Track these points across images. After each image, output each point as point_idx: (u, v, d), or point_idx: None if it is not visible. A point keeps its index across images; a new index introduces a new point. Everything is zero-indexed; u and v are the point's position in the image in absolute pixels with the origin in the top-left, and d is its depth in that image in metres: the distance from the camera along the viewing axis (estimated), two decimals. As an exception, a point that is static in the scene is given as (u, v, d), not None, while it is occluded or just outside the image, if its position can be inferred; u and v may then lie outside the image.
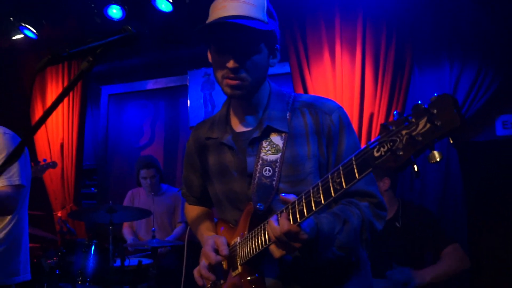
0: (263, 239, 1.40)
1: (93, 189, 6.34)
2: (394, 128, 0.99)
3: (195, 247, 1.86)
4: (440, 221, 3.15)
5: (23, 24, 4.93)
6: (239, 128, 1.67)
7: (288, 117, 1.59)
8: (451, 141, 0.93)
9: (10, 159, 1.20)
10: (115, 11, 4.61)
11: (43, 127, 5.52)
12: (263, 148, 1.56)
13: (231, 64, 1.48)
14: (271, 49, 1.57)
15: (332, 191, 1.16)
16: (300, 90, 4.13)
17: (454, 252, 2.96)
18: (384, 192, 3.17)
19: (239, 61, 1.48)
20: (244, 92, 1.54)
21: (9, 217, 2.69)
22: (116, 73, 6.17)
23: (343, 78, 3.99)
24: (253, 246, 1.44)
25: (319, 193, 1.20)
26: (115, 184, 6.08)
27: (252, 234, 1.47)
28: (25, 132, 1.23)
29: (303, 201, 1.24)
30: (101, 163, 6.25)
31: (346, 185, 1.12)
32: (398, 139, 0.97)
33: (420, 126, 0.93)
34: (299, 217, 1.24)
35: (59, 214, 5.30)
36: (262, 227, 1.41)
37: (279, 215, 1.31)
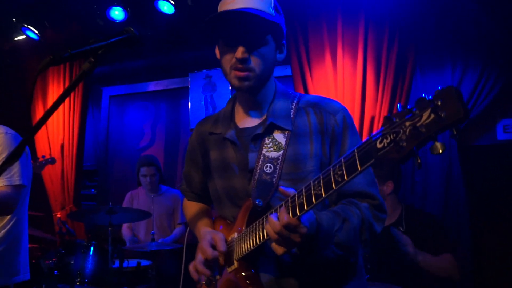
0: (260, 234, 1.39)
1: (93, 190, 6.34)
2: (397, 119, 0.99)
3: (194, 249, 1.86)
4: (443, 227, 3.14)
5: (26, 25, 4.94)
6: (242, 124, 1.68)
7: (292, 116, 1.59)
8: (455, 133, 0.92)
9: (11, 159, 1.20)
10: (117, 13, 4.62)
11: (43, 127, 5.52)
12: (266, 145, 1.56)
13: (239, 54, 1.49)
14: (278, 43, 1.60)
15: (333, 183, 1.15)
16: (301, 92, 4.13)
17: (448, 260, 2.97)
18: (388, 196, 3.17)
19: (247, 52, 1.50)
20: (252, 84, 1.55)
21: (8, 216, 2.68)
22: (118, 74, 6.18)
23: (345, 81, 3.99)
24: (251, 241, 1.43)
25: (320, 185, 1.19)
26: (115, 185, 6.08)
27: (249, 229, 1.46)
28: (26, 131, 1.23)
29: (303, 194, 1.23)
30: (101, 164, 6.25)
31: (347, 177, 1.11)
32: (401, 131, 0.97)
33: (424, 118, 0.93)
34: (299, 210, 1.23)
35: (58, 215, 5.29)
36: (260, 221, 1.41)
37: (278, 209, 1.31)
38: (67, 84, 5.46)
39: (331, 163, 1.54)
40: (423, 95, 0.96)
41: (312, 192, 1.20)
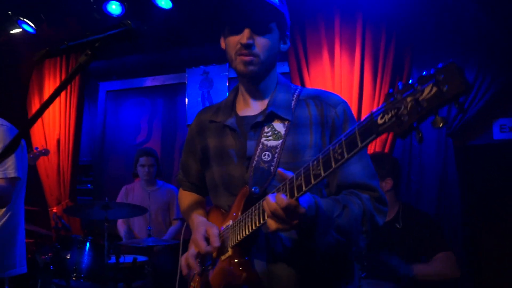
0: (256, 219, 1.37)
1: (89, 185, 6.32)
2: (399, 95, 0.98)
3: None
4: (440, 227, 3.14)
5: (21, 19, 4.91)
6: (243, 112, 1.69)
7: (292, 107, 1.60)
8: (457, 106, 0.92)
9: (6, 151, 1.19)
10: (114, 7, 4.59)
11: (39, 122, 5.50)
12: (265, 133, 1.57)
13: (244, 39, 1.52)
14: (282, 33, 1.63)
15: (332, 161, 1.12)
16: (299, 90, 4.13)
17: (446, 259, 2.95)
18: (386, 193, 3.17)
19: (252, 37, 1.53)
20: (256, 69, 1.57)
21: (3, 209, 2.68)
22: (114, 69, 6.15)
23: (342, 79, 3.99)
24: (246, 227, 1.42)
25: (319, 165, 1.16)
26: (111, 180, 6.06)
27: (245, 215, 1.45)
28: (22, 124, 1.22)
29: (302, 176, 1.21)
30: (97, 159, 6.23)
31: (347, 154, 1.09)
32: (402, 106, 0.96)
33: (426, 92, 0.92)
34: (297, 191, 1.21)
35: (54, 210, 5.28)
36: (257, 206, 1.39)
37: (275, 191, 1.29)
38: (63, 78, 5.44)
39: None
40: (424, 72, 0.96)
41: (311, 172, 1.18)
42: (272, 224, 1.28)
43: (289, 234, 1.32)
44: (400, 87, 0.99)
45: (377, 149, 3.86)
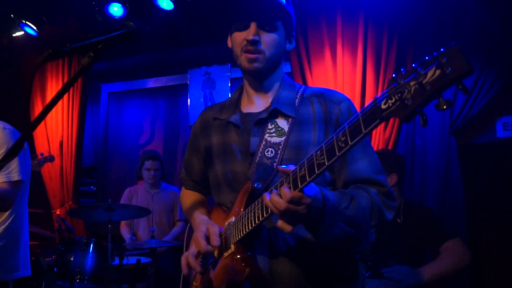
0: (259, 213, 1.36)
1: (92, 187, 6.33)
2: (402, 80, 0.98)
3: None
4: (439, 218, 3.14)
5: (24, 21, 4.92)
6: (247, 109, 1.70)
7: (296, 104, 1.61)
8: (460, 87, 0.92)
9: (9, 154, 1.19)
10: (116, 9, 4.61)
11: (42, 124, 5.51)
12: (269, 130, 1.57)
13: (250, 36, 1.54)
14: (288, 32, 1.65)
15: (336, 149, 1.10)
16: (301, 90, 4.12)
17: (454, 247, 2.91)
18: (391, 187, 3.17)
19: (258, 34, 1.55)
20: (261, 66, 1.58)
21: (7, 212, 2.68)
22: (117, 71, 6.16)
23: (344, 78, 3.98)
24: (249, 222, 1.41)
25: (323, 154, 1.14)
26: (115, 182, 6.07)
27: (248, 210, 1.45)
28: (25, 127, 1.22)
29: (305, 166, 1.18)
30: (100, 161, 6.24)
31: (351, 141, 1.07)
32: (406, 90, 0.96)
33: (429, 75, 0.92)
34: (300, 182, 1.18)
35: (57, 212, 5.29)
36: (259, 201, 1.38)
37: (278, 186, 1.27)
38: (65, 80, 5.45)
39: None
40: (427, 57, 0.95)
41: (315, 162, 1.16)
42: (285, 227, 1.26)
43: (294, 230, 1.28)
44: (403, 71, 0.99)
45: (380, 147, 3.85)
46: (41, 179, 5.43)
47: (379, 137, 3.86)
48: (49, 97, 5.64)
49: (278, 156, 1.52)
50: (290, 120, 1.57)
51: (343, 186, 1.53)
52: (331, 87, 4.00)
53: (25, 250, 2.80)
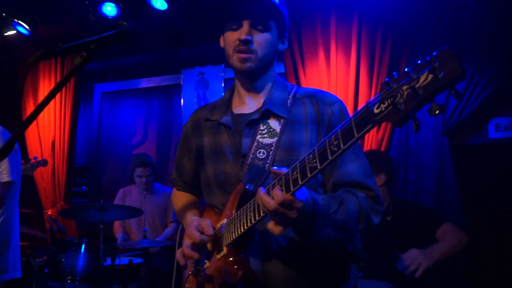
0: (252, 216, 1.36)
1: (84, 187, 6.29)
2: (394, 84, 0.98)
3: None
4: (430, 209, 3.21)
5: (16, 21, 4.88)
6: (239, 110, 1.69)
7: (288, 105, 1.60)
8: (453, 92, 0.92)
9: None
10: (109, 9, 4.58)
11: (34, 124, 5.47)
12: (260, 131, 1.57)
13: (242, 35, 1.54)
14: (281, 32, 1.64)
15: (329, 153, 1.11)
16: (295, 90, 4.13)
17: (450, 229, 2.96)
18: (379, 187, 3.23)
19: (250, 33, 1.55)
20: (253, 66, 1.57)
21: None
22: (110, 71, 6.13)
23: (338, 79, 3.99)
24: (241, 224, 1.41)
25: (315, 158, 1.14)
26: (107, 182, 6.04)
27: (239, 213, 1.44)
28: (16, 127, 1.20)
29: (297, 169, 1.19)
30: (93, 161, 6.20)
31: (344, 145, 1.07)
32: (398, 95, 0.96)
33: (422, 79, 0.92)
34: (292, 185, 1.19)
35: (49, 212, 5.24)
36: (251, 203, 1.38)
37: (270, 188, 1.27)
38: (58, 80, 5.40)
39: None
40: (419, 61, 0.95)
41: (307, 165, 1.16)
42: (275, 229, 1.27)
43: (285, 232, 1.29)
44: (395, 76, 0.99)
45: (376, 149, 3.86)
46: (32, 179, 5.39)
47: (372, 138, 3.87)
48: (41, 97, 5.60)
49: (270, 157, 1.52)
50: (282, 121, 1.57)
51: (332, 188, 1.53)
52: (324, 87, 4.01)
53: (15, 252, 2.78)
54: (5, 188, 2.58)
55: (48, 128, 5.49)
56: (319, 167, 1.13)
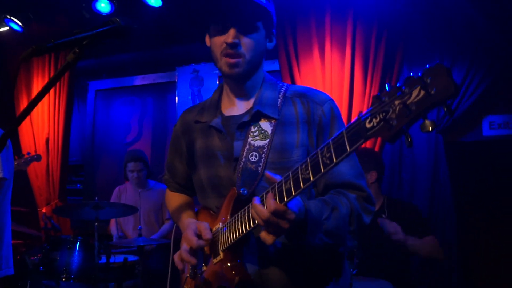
0: (246, 223, 1.36)
1: (79, 185, 6.27)
2: (386, 98, 0.97)
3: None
4: (423, 214, 3.25)
5: (9, 17, 4.84)
6: (228, 112, 1.66)
7: (279, 105, 1.59)
8: (445, 109, 0.91)
9: (-8, 152, 1.17)
10: (103, 5, 4.56)
11: (28, 121, 5.45)
12: (252, 133, 1.55)
13: (230, 38, 1.50)
14: (268, 31, 1.61)
15: (321, 166, 1.11)
16: (289, 88, 4.13)
17: (432, 241, 3.07)
18: (371, 185, 3.27)
19: (237, 37, 1.51)
20: (242, 70, 1.55)
21: None
22: (104, 68, 6.11)
23: (333, 76, 3.99)
24: (236, 230, 1.41)
25: (308, 169, 1.15)
26: (102, 180, 6.02)
27: (234, 219, 1.44)
28: (8, 124, 1.19)
29: (291, 179, 1.19)
30: (87, 159, 6.18)
31: (336, 159, 1.08)
32: (391, 109, 0.95)
33: (414, 95, 0.91)
34: (286, 195, 1.20)
35: (43, 210, 5.23)
36: (246, 210, 1.38)
37: (264, 196, 1.28)
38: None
39: None
40: (411, 74, 0.94)
41: (300, 176, 1.17)
42: (267, 239, 1.28)
43: (280, 237, 1.31)
44: (388, 89, 0.98)
45: (368, 147, 3.87)
46: (27, 177, 5.37)
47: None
48: (34, 94, 5.56)
49: (262, 160, 1.51)
50: (273, 121, 1.55)
51: (324, 188, 1.53)
52: (319, 85, 4.01)
53: (7, 248, 2.76)
54: None
55: (42, 126, 5.47)
56: (312, 179, 1.14)
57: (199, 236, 1.52)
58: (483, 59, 3.82)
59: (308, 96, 1.59)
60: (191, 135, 1.73)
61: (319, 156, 1.12)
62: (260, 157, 1.51)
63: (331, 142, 1.10)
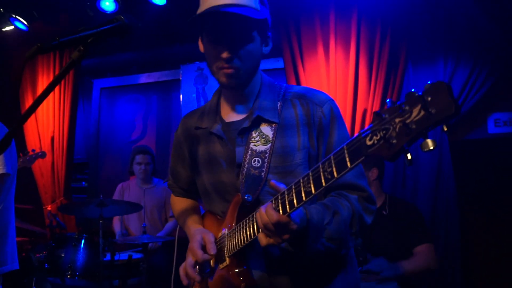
0: (251, 230, 1.38)
1: (84, 183, 6.29)
2: (387, 116, 0.97)
3: (186, 242, 1.85)
4: (423, 218, 3.23)
5: (14, 16, 4.86)
6: (229, 117, 1.65)
7: (278, 108, 1.58)
8: (445, 129, 0.91)
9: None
10: (108, 4, 4.56)
11: (33, 120, 5.47)
12: (253, 139, 1.55)
13: (225, 54, 1.46)
14: (263, 37, 1.57)
15: (323, 180, 1.14)
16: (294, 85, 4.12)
17: (427, 251, 3.05)
18: (372, 182, 3.27)
19: (233, 51, 1.47)
20: (239, 81, 1.53)
21: None
22: (109, 66, 6.12)
23: (337, 74, 3.98)
24: (241, 237, 1.43)
25: (310, 182, 1.17)
26: (106, 178, 6.04)
27: (240, 225, 1.45)
28: (13, 123, 1.20)
29: (293, 191, 1.22)
30: (92, 157, 6.20)
31: (337, 174, 1.10)
32: (391, 127, 0.95)
33: (414, 114, 0.91)
34: (289, 207, 1.22)
35: (49, 208, 5.25)
36: (251, 218, 1.40)
37: (268, 205, 1.30)
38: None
39: (319, 155, 1.53)
40: (413, 89, 0.94)
41: (302, 189, 1.20)
42: (262, 240, 1.31)
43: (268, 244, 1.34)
44: (388, 105, 0.98)
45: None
46: (32, 175, 5.39)
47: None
48: (40, 92, 5.57)
49: (265, 165, 1.51)
50: (274, 126, 1.55)
51: (325, 189, 1.53)
52: (323, 83, 4.00)
53: (12, 244, 2.77)
54: (0, 181, 2.58)
55: (47, 124, 5.48)
56: (313, 192, 1.17)
57: (204, 248, 1.54)
58: (488, 56, 3.81)
59: (307, 97, 1.58)
60: (193, 141, 1.73)
61: (321, 170, 1.15)
62: (263, 162, 1.51)
63: (332, 157, 1.12)
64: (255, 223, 1.36)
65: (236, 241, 1.45)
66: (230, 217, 1.54)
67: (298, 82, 4.13)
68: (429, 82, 0.91)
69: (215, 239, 1.57)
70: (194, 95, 5.55)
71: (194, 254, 1.56)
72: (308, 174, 1.19)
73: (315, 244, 1.36)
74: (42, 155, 4.43)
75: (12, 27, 5.01)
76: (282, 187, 1.28)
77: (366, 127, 1.03)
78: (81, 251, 3.65)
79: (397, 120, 0.94)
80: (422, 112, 0.90)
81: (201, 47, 1.63)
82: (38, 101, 1.16)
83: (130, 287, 3.89)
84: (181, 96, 5.63)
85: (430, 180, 3.97)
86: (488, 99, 3.87)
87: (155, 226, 4.63)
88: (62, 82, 5.27)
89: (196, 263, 1.59)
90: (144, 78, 6.01)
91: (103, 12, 4.61)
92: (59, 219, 4.85)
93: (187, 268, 1.61)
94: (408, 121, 0.92)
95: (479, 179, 4.01)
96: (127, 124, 6.07)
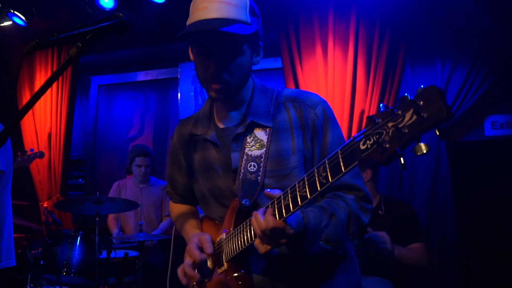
0: (249, 235, 1.39)
1: (80, 180, 6.28)
2: (380, 120, 0.98)
3: (182, 241, 1.85)
4: (417, 218, 3.27)
5: (12, 11, 4.84)
6: (222, 124, 1.66)
7: (272, 112, 1.58)
8: (438, 133, 0.92)
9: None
10: (106, 1, 4.55)
11: (31, 116, 5.45)
12: (248, 144, 1.56)
13: (213, 69, 1.45)
14: (254, 49, 1.56)
15: (318, 185, 1.16)
16: (292, 85, 4.13)
17: (420, 249, 3.10)
18: (367, 183, 3.29)
19: (221, 66, 1.46)
20: (228, 95, 1.53)
21: None
22: (106, 63, 6.11)
23: (335, 74, 3.98)
24: (239, 242, 1.44)
25: (305, 187, 1.19)
26: (103, 175, 6.03)
27: (237, 230, 1.47)
28: (10, 119, 1.19)
29: (289, 196, 1.23)
30: (89, 154, 6.19)
31: (332, 178, 1.12)
32: (384, 132, 0.96)
33: (407, 118, 0.92)
34: (285, 212, 1.24)
35: (45, 205, 5.24)
36: (248, 223, 1.41)
37: (264, 210, 1.31)
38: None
39: (314, 156, 1.54)
40: (406, 94, 0.95)
41: (298, 193, 1.21)
42: (260, 247, 1.32)
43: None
44: (382, 109, 0.99)
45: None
46: (28, 171, 5.37)
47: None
48: (37, 88, 5.55)
49: (261, 169, 1.52)
50: (268, 130, 1.55)
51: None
52: (322, 83, 4.01)
53: (9, 241, 2.76)
54: None
55: (44, 121, 5.47)
56: (309, 196, 1.19)
57: (201, 249, 1.55)
58: (486, 58, 3.82)
59: (300, 99, 1.58)
60: (189, 148, 1.73)
61: (316, 175, 1.17)
62: (259, 167, 1.52)
63: (327, 162, 1.13)
64: (252, 228, 1.37)
65: (234, 246, 1.46)
66: (228, 222, 1.55)
67: (296, 82, 4.13)
68: (421, 86, 0.92)
69: (212, 240, 1.58)
70: (192, 94, 5.54)
71: (191, 254, 1.57)
72: (304, 178, 1.21)
73: (312, 247, 1.37)
74: (40, 155, 4.42)
75: (10, 23, 5.00)
76: (277, 193, 1.29)
77: (360, 131, 1.04)
78: (77, 248, 3.65)
79: (390, 124, 0.95)
80: (415, 117, 0.91)
81: (191, 55, 1.61)
82: (36, 97, 1.16)
83: (126, 285, 3.89)
84: (179, 94, 5.62)
85: (427, 182, 3.98)
86: (485, 101, 3.89)
87: (152, 225, 4.62)
88: (60, 78, 5.26)
89: (194, 263, 1.59)
90: (142, 76, 6.00)
91: (102, 9, 4.60)
92: (55, 216, 4.85)
93: (185, 268, 1.62)
94: (400, 125, 0.93)
95: (475, 181, 4.03)
96: (125, 122, 6.06)
